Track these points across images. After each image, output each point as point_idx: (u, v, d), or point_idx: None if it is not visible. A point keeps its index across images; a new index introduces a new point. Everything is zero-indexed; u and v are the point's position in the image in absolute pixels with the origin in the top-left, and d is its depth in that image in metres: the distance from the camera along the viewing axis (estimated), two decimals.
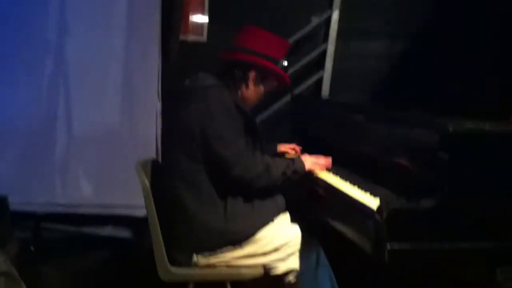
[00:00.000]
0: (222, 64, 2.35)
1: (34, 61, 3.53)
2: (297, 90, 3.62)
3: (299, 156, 2.42)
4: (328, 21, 3.68)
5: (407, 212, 1.75)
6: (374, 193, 2.05)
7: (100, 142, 3.61)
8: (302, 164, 2.34)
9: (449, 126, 1.79)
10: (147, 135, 3.50)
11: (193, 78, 2.27)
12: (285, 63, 2.37)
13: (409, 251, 1.74)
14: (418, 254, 1.75)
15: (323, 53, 3.68)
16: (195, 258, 2.17)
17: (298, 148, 2.81)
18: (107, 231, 3.64)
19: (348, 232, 1.98)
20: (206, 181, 2.16)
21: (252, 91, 2.32)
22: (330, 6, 3.67)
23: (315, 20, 3.67)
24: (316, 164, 2.39)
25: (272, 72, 2.32)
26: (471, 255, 1.78)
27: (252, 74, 2.29)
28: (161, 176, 2.27)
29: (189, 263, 2.18)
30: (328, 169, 2.40)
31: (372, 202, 1.95)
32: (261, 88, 2.35)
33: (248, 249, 2.18)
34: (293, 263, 2.24)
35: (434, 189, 1.80)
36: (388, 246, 1.72)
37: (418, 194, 1.86)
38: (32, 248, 3.51)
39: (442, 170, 1.80)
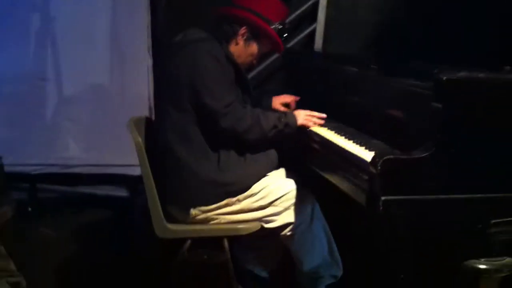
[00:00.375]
0: (214, 18, 2.31)
1: (20, 19, 3.47)
2: (290, 44, 3.56)
3: (291, 110, 2.41)
4: None
5: (401, 163, 1.74)
6: (369, 147, 2.04)
7: (91, 101, 3.60)
8: (294, 118, 2.31)
9: (442, 75, 1.77)
10: (139, 92, 3.47)
11: (183, 33, 2.26)
12: (281, 27, 2.32)
13: (403, 202, 1.74)
14: (412, 205, 1.75)
15: (316, 5, 3.60)
16: (191, 212, 2.18)
17: (293, 98, 2.76)
18: (103, 190, 3.66)
19: (343, 185, 1.97)
20: (197, 133, 2.16)
21: (241, 47, 2.29)
22: None
23: None
24: (309, 119, 2.37)
25: (263, 31, 2.28)
26: (464, 206, 1.78)
27: (242, 30, 2.26)
28: (153, 132, 2.27)
29: (185, 219, 2.20)
30: (321, 124, 2.38)
31: (367, 154, 1.95)
32: (253, 48, 2.31)
33: (243, 203, 2.20)
34: (289, 217, 2.26)
35: (428, 139, 1.79)
36: (382, 198, 1.72)
37: (413, 145, 1.85)
38: (29, 209, 3.53)
39: (436, 120, 1.78)
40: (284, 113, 2.35)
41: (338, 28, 3.60)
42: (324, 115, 2.40)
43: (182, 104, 2.15)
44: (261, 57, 3.27)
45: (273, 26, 2.29)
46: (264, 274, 2.56)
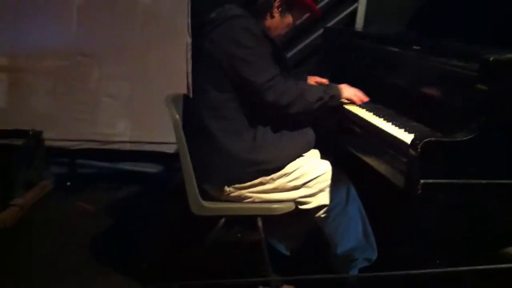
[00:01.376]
0: None
1: None
2: (331, 23, 3.50)
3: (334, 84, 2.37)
4: None
5: (442, 145, 1.69)
6: (408, 129, 1.99)
7: (131, 78, 3.62)
8: (339, 90, 2.30)
9: (489, 56, 1.70)
10: (178, 69, 3.48)
11: (219, 10, 2.24)
12: None
13: (442, 185, 1.69)
14: (452, 189, 1.70)
15: None
16: (225, 189, 2.18)
17: (326, 81, 2.72)
18: (140, 167, 3.70)
19: (380, 167, 1.93)
20: (234, 111, 2.15)
21: (277, 20, 2.27)
22: None
23: None
24: (354, 95, 2.33)
25: (299, 0, 2.25)
26: (506, 192, 1.72)
27: (277, 3, 2.23)
28: (191, 109, 2.26)
29: (220, 196, 2.20)
30: (361, 105, 2.33)
31: (406, 137, 1.90)
32: (289, 18, 2.29)
33: (277, 182, 2.18)
34: (324, 198, 2.23)
35: (472, 122, 1.73)
36: (422, 181, 1.68)
37: (454, 128, 1.79)
38: (68, 183, 3.61)
39: (480, 102, 1.72)
40: (329, 85, 2.32)
41: (380, 7, 3.52)
42: (367, 98, 2.36)
43: (219, 81, 2.14)
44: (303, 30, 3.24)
45: None
46: (285, 251, 2.56)
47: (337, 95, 2.28)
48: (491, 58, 1.70)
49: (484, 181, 1.72)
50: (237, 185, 2.18)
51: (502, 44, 2.15)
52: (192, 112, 2.25)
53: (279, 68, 2.18)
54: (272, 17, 2.26)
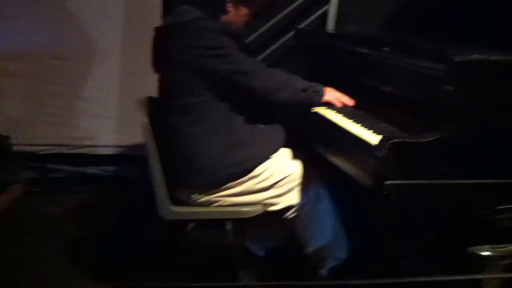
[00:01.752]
0: None
1: None
2: (302, 24, 3.50)
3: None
4: None
5: (408, 146, 1.69)
6: (376, 130, 1.99)
7: (104, 81, 3.57)
8: (323, 89, 2.31)
9: (454, 56, 1.70)
10: (152, 72, 3.43)
11: (175, 13, 2.20)
12: None
13: (409, 186, 1.69)
14: (418, 190, 1.70)
15: None
16: (194, 194, 2.16)
17: None
18: (112, 170, 3.66)
19: (349, 169, 1.93)
20: (205, 114, 2.13)
21: (233, 14, 2.25)
22: None
23: None
24: (336, 98, 2.33)
25: None
26: (471, 192, 1.73)
27: None
28: (161, 114, 2.23)
29: (189, 201, 2.18)
30: (330, 106, 2.33)
31: (374, 138, 1.90)
32: (244, 10, 2.26)
33: (245, 185, 2.17)
34: (293, 198, 2.23)
35: (438, 123, 1.73)
36: (388, 182, 1.67)
37: (421, 129, 1.80)
38: (37, 188, 3.55)
39: (446, 103, 1.72)
40: (313, 83, 2.33)
41: (351, 8, 3.53)
42: (353, 102, 2.36)
43: (189, 86, 2.11)
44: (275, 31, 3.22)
45: None
46: (260, 252, 2.54)
47: (321, 92, 2.29)
48: (457, 59, 1.70)
49: (450, 181, 1.72)
50: (206, 189, 2.15)
51: (477, 42, 2.18)
52: (162, 116, 2.22)
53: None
54: (227, 12, 2.24)
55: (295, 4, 3.48)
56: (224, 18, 2.25)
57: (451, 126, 1.70)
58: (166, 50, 2.17)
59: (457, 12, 2.59)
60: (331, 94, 2.33)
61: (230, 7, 2.23)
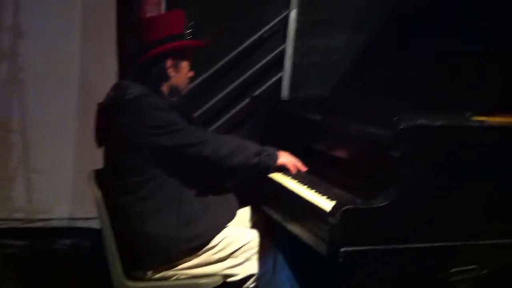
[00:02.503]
0: (138, 66, 2.28)
1: None
2: (257, 92, 3.58)
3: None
4: (286, 19, 3.64)
5: (361, 212, 1.71)
6: (330, 196, 2.02)
7: (58, 152, 3.52)
8: (276, 152, 2.32)
9: (399, 123, 1.76)
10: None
11: (116, 88, 2.20)
12: (191, 30, 2.25)
13: (363, 252, 1.71)
14: (373, 256, 1.71)
15: (282, 53, 3.64)
16: (151, 272, 2.12)
17: None
18: (67, 244, 3.55)
19: (304, 235, 1.93)
20: (154, 191, 2.10)
21: (176, 76, 2.25)
22: (287, 4, 3.64)
23: None
24: (290, 162, 2.35)
25: (183, 49, 2.24)
26: (425, 255, 1.75)
27: (168, 64, 2.22)
28: (109, 189, 2.19)
29: (144, 277, 2.12)
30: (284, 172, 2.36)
31: (327, 204, 1.92)
32: (184, 68, 2.27)
33: (202, 257, 2.14)
34: (251, 268, 2.20)
35: (388, 188, 1.77)
36: (342, 249, 1.68)
37: (374, 194, 1.83)
38: None
39: (394, 168, 1.77)
40: (266, 147, 2.34)
41: (305, 75, 3.64)
42: (306, 168, 2.38)
43: (136, 165, 2.08)
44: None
45: (185, 36, 2.25)
46: None
47: (274, 156, 2.30)
48: (402, 126, 1.76)
49: (403, 246, 1.74)
50: (162, 266, 2.11)
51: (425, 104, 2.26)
52: (111, 193, 2.17)
53: None
54: (168, 78, 2.23)
55: (249, 72, 3.57)
56: (167, 85, 2.24)
57: (399, 191, 1.73)
58: (110, 127, 2.14)
59: (404, 78, 2.71)
60: (285, 158, 2.35)
61: (171, 72, 2.23)
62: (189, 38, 2.24)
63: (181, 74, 2.26)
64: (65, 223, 3.52)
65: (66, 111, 3.52)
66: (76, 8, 3.46)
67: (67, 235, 3.53)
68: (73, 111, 3.53)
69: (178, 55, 2.23)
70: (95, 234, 3.30)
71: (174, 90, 2.26)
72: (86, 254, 3.48)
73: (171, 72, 2.23)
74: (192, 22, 2.29)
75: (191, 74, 2.33)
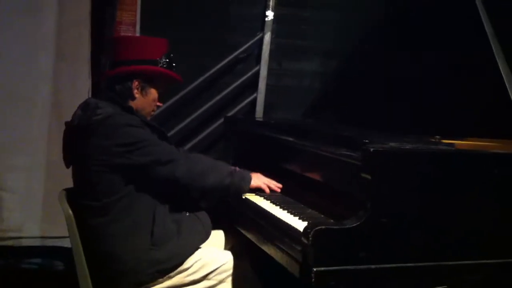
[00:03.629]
0: (104, 82, 2.29)
1: None
2: (232, 112, 3.62)
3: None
4: (261, 42, 3.71)
5: (333, 233, 1.73)
6: (303, 217, 2.05)
7: (29, 170, 3.48)
8: (249, 174, 2.32)
9: (370, 146, 1.81)
10: None
11: (83, 107, 2.17)
12: (168, 60, 2.27)
13: (336, 272, 1.72)
14: (345, 276, 1.73)
15: (257, 74, 3.69)
16: None
17: None
18: (36, 262, 3.49)
19: (277, 256, 1.94)
20: (126, 211, 2.08)
21: (141, 99, 2.23)
22: (262, 27, 3.70)
23: None
24: (263, 183, 2.36)
25: (153, 74, 2.24)
26: (397, 276, 1.78)
27: (134, 84, 2.21)
28: (78, 210, 2.15)
29: None
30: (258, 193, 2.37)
31: (300, 225, 1.94)
32: (151, 94, 2.26)
33: (175, 279, 2.12)
34: None
35: (360, 209, 1.80)
36: (315, 269, 1.70)
37: (346, 215, 1.86)
38: None
39: (365, 190, 1.80)
40: (238, 169, 2.34)
41: (279, 96, 3.70)
42: (280, 186, 2.40)
43: (106, 186, 2.07)
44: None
45: (161, 64, 2.25)
46: None
47: (247, 178, 2.30)
48: (372, 149, 1.80)
49: (375, 266, 1.77)
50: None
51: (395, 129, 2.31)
52: (80, 214, 2.14)
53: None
54: (134, 98, 2.22)
55: (224, 92, 3.61)
56: (133, 103, 2.22)
57: (371, 212, 1.77)
58: (78, 148, 2.12)
59: (377, 102, 2.78)
60: (258, 179, 2.37)
61: (137, 93, 2.21)
62: (163, 67, 2.25)
63: (147, 99, 2.25)
64: (36, 242, 3.45)
65: (38, 130, 3.48)
66: (49, 27, 3.44)
67: (38, 254, 3.47)
68: (44, 131, 3.49)
69: (147, 79, 2.23)
70: (66, 253, 3.28)
71: (138, 111, 2.24)
72: (57, 274, 3.43)
73: (136, 93, 2.22)
74: (172, 55, 2.30)
75: (159, 104, 2.32)
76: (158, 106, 2.34)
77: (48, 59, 3.46)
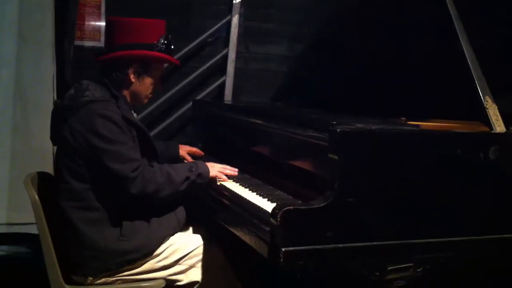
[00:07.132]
0: (100, 67, 2.23)
1: None
2: (200, 95, 3.60)
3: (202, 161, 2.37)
4: (228, 25, 3.69)
5: (300, 213, 1.75)
6: (272, 198, 2.06)
7: None
8: (206, 168, 2.26)
9: (336, 127, 1.82)
10: (44, 146, 3.33)
11: (76, 86, 2.13)
12: (166, 42, 2.21)
13: (303, 252, 1.74)
14: (313, 255, 1.75)
15: (225, 58, 3.68)
16: (89, 278, 2.08)
17: (200, 153, 2.77)
18: (4, 249, 3.44)
19: (246, 237, 1.95)
20: (97, 200, 2.05)
21: (137, 85, 2.20)
22: (229, 10, 3.68)
23: None
24: (222, 171, 2.33)
25: (151, 59, 2.20)
26: (362, 254, 1.82)
27: (131, 70, 2.17)
28: (51, 191, 2.15)
29: (84, 282, 2.09)
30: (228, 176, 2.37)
31: (268, 206, 1.96)
32: (148, 79, 2.22)
33: (147, 265, 2.12)
34: (195, 275, 2.20)
35: (326, 189, 1.82)
36: (283, 249, 1.72)
37: (314, 196, 1.88)
38: None
39: (332, 170, 1.82)
40: (195, 162, 2.29)
41: (247, 80, 3.70)
42: (236, 170, 2.39)
43: (79, 171, 2.03)
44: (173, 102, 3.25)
45: (158, 48, 2.20)
46: None
47: (205, 173, 2.24)
48: (338, 130, 1.82)
49: (341, 245, 1.80)
50: (103, 274, 2.08)
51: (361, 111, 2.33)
52: (52, 195, 2.13)
53: (145, 152, 2.14)
54: (130, 84, 2.19)
55: (192, 76, 3.59)
56: (128, 91, 2.20)
57: (337, 193, 1.79)
58: (61, 129, 2.07)
59: (344, 85, 2.80)
60: (214, 170, 2.30)
61: (133, 78, 2.18)
62: (161, 51, 2.20)
63: (143, 84, 2.21)
64: (2, 229, 3.39)
65: (1, 115, 3.41)
66: (12, 10, 3.35)
67: (4, 241, 3.41)
68: (8, 116, 3.41)
69: (146, 65, 2.19)
70: (34, 239, 3.24)
71: (134, 97, 2.22)
72: (24, 260, 3.39)
73: (132, 78, 2.18)
74: (170, 36, 2.25)
75: (158, 87, 2.29)
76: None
77: (11, 43, 3.37)
